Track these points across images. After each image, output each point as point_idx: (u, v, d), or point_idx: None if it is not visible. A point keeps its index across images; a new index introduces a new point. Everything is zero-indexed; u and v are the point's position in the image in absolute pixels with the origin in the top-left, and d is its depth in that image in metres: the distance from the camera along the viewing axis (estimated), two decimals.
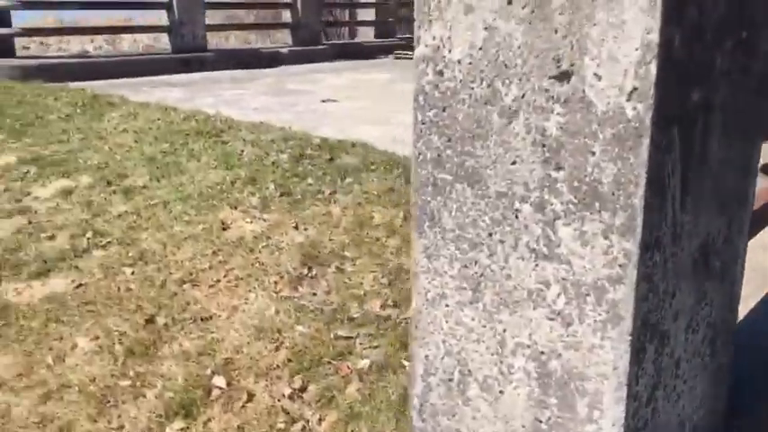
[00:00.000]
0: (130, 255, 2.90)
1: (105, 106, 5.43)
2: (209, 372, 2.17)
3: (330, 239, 3.02)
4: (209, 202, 3.46)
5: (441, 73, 1.05)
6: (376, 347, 2.29)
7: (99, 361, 2.21)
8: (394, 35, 11.50)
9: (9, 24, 7.22)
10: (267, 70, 8.63)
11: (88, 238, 3.05)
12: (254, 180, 3.72)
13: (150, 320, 2.43)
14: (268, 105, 5.99)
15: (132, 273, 2.76)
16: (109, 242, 3.02)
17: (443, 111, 1.05)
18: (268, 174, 3.80)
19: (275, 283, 2.68)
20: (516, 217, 0.98)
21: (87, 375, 2.14)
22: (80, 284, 2.67)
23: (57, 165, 3.96)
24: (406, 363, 2.18)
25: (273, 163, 3.97)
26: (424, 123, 1.09)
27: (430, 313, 1.11)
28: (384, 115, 5.68)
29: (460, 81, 1.02)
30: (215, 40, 11.31)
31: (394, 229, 3.13)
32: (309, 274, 2.74)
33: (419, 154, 1.11)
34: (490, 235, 1.02)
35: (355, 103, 6.21)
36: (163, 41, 10.45)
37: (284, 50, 9.31)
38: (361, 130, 5.03)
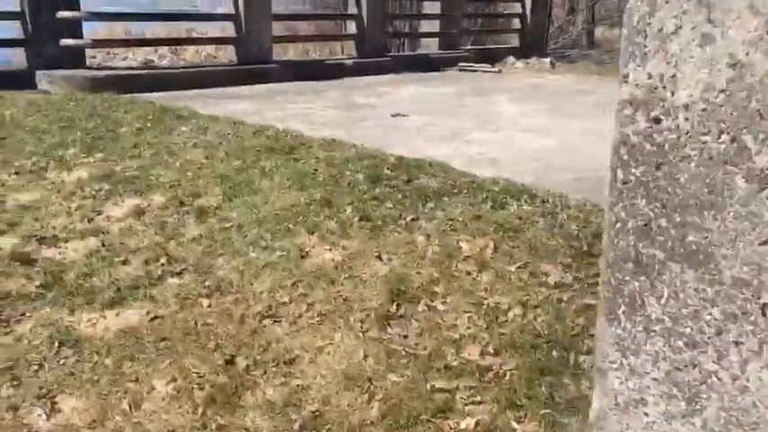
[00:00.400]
0: (207, 284, 2.73)
1: (175, 120, 5.35)
2: (296, 426, 1.96)
3: (417, 272, 2.80)
4: (284, 226, 3.28)
5: (657, 120, 0.82)
6: (479, 403, 2.05)
7: (177, 408, 2.04)
8: (458, 47, 11.25)
9: (80, 35, 7.28)
10: (331, 82, 8.49)
11: (162, 264, 2.90)
12: (330, 202, 3.53)
13: (230, 361, 2.25)
14: (337, 120, 5.82)
15: (209, 305, 2.59)
16: (184, 269, 2.87)
17: (657, 168, 0.82)
18: (344, 196, 3.61)
19: (361, 321, 2.47)
20: (764, 314, 0.74)
21: (166, 426, 1.96)
22: (155, 317, 2.51)
23: (129, 182, 3.85)
24: (516, 425, 1.94)
25: (349, 184, 3.78)
26: (626, 183, 0.86)
27: (620, 420, 0.88)
28: (456, 132, 5.44)
29: (687, 132, 0.78)
30: (274, 51, 11.31)
31: (484, 262, 2.88)
32: (398, 313, 2.52)
33: (617, 221, 0.88)
34: (719, 333, 0.78)
35: (425, 119, 5.99)
36: (227, 52, 10.46)
37: (348, 62, 9.17)
38: (435, 149, 4.81)
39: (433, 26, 10.98)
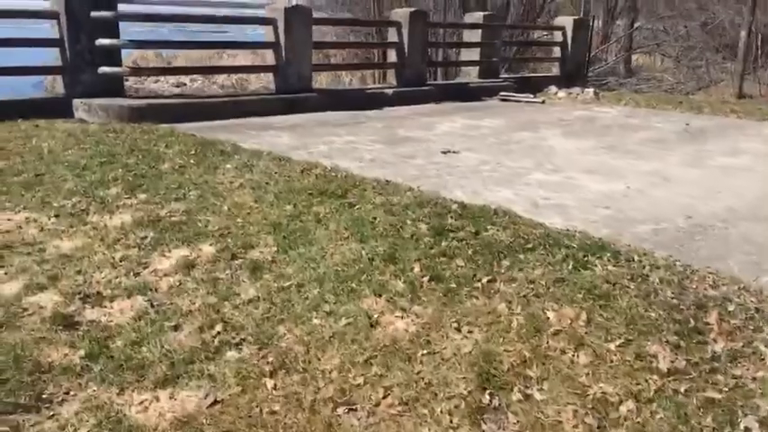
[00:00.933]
0: (269, 360, 2.44)
1: (218, 155, 5.12)
2: None
3: (505, 350, 2.48)
4: (347, 285, 2.99)
5: None
6: None
7: None
8: (497, 75, 10.99)
9: (119, 63, 7.12)
10: (372, 112, 8.25)
11: (218, 333, 2.62)
12: (395, 258, 3.24)
13: None
14: (385, 156, 5.55)
15: (274, 386, 2.30)
16: (243, 339, 2.58)
17: None
18: (409, 250, 3.31)
19: (450, 414, 2.16)
20: None
21: None
22: (215, 401, 2.22)
23: (175, 229, 3.59)
24: None
25: (413, 236, 3.49)
26: None
27: None
28: (514, 172, 5.14)
29: None
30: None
31: (578, 337, 2.56)
32: (491, 404, 2.20)
33: None
34: None
35: (477, 156, 5.70)
36: (259, 77, 10.30)
37: (389, 91, 8.93)
38: (496, 192, 4.51)
39: (473, 54, 10.72)
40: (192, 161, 4.92)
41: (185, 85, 17.96)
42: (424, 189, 4.41)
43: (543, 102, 9.71)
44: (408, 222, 3.67)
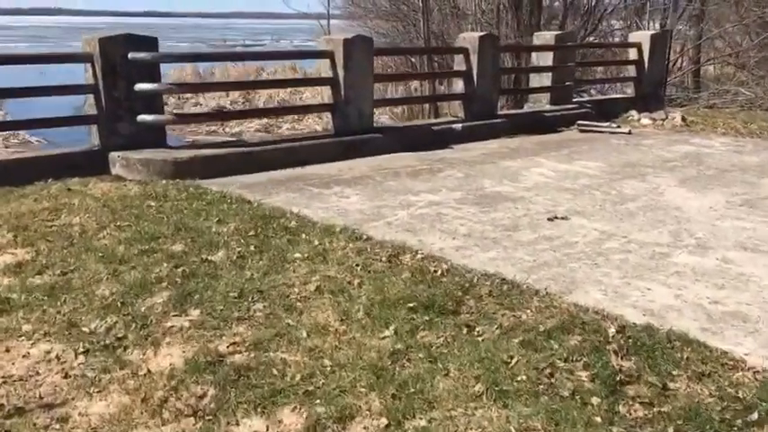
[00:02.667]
0: None
1: (282, 235, 4.19)
2: None
3: None
4: None
5: None
6: None
7: None
8: (570, 101, 9.89)
9: (161, 110, 6.26)
10: (442, 153, 7.26)
11: None
12: None
13: None
14: (482, 229, 4.54)
15: None
16: None
17: None
18: (577, 425, 2.31)
19: None
20: None
21: None
22: None
23: (243, 381, 2.64)
24: None
25: (574, 394, 2.48)
26: None
27: None
28: (648, 251, 4.09)
29: None
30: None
31: None
32: None
33: None
34: None
35: (592, 224, 4.67)
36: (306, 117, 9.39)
37: (457, 126, 7.94)
38: (644, 291, 3.47)
39: (544, 79, 9.67)
40: (252, 247, 3.98)
41: (225, 107, 17.29)
42: (552, 290, 3.41)
43: (630, 132, 8.61)
44: (560, 365, 2.67)
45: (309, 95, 18.06)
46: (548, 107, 9.54)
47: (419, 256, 3.90)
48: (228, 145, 6.47)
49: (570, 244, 4.23)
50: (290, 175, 6.16)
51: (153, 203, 4.91)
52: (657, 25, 19.98)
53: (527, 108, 9.76)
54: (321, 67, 7.21)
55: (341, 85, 7.03)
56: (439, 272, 3.61)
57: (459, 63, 8.35)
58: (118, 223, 4.45)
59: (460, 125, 8.02)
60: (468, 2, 19.09)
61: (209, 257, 3.85)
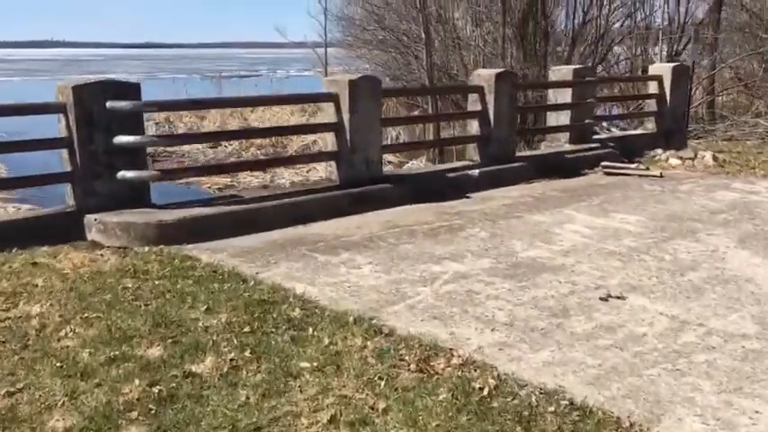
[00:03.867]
0: None
1: (283, 331, 3.43)
2: None
3: None
4: None
5: None
6: None
7: None
8: (590, 139, 9.18)
9: (143, 165, 5.52)
10: (459, 204, 6.53)
11: None
12: None
13: None
14: (524, 315, 3.77)
15: None
16: None
17: None
18: None
19: None
20: None
21: None
22: None
23: None
24: None
25: None
26: None
27: None
28: (738, 347, 3.31)
29: None
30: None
31: None
32: None
33: None
34: None
35: (654, 305, 3.90)
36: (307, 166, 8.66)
37: (473, 172, 7.22)
38: (753, 416, 2.70)
39: (561, 116, 8.98)
40: (247, 351, 3.22)
41: (219, 146, 16.62)
42: (635, 417, 2.64)
43: (661, 175, 7.88)
44: None
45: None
46: (567, 147, 8.84)
47: (456, 360, 3.14)
48: (221, 202, 5.73)
49: (637, 338, 3.46)
50: (292, 236, 5.41)
51: (130, 283, 4.15)
52: (665, 53, 19.46)
53: (545, 148, 9.05)
54: (324, 112, 6.51)
55: (346, 131, 6.32)
56: (486, 390, 2.84)
57: (473, 102, 7.65)
58: (85, 314, 3.68)
59: (477, 171, 7.29)
60: (470, 33, 18.59)
61: (194, 368, 3.07)
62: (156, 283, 4.15)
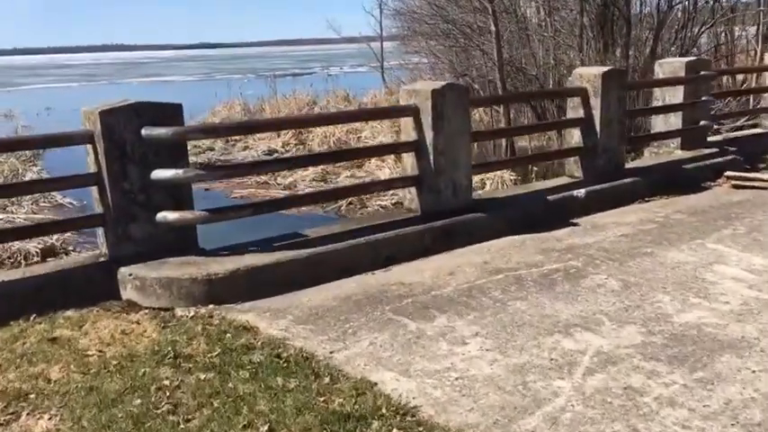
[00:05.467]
0: None
1: None
2: None
3: None
4: None
5: None
6: None
7: None
8: (705, 143, 7.81)
9: (189, 204, 4.51)
10: (566, 234, 5.35)
11: None
12: None
13: None
14: None
15: None
16: None
17: None
18: None
19: None
20: None
21: None
22: None
23: None
24: None
25: None
26: None
27: None
28: None
29: None
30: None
31: None
32: None
33: None
34: None
35: None
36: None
37: (578, 193, 6.00)
38: None
39: (671, 119, 7.64)
40: None
41: (276, 151, 15.68)
42: None
43: None
44: None
45: (370, 133, 16.38)
46: (680, 154, 7.51)
47: None
48: (283, 244, 4.68)
49: None
50: (370, 287, 4.34)
51: (168, 378, 3.13)
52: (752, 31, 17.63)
53: (654, 157, 7.71)
54: (402, 128, 5.41)
55: (429, 151, 5.21)
56: None
57: (574, 108, 6.42)
58: (113, 426, 2.68)
59: (583, 191, 6.07)
60: (540, 22, 17.17)
61: None
62: (202, 378, 3.12)
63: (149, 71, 66.97)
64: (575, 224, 5.68)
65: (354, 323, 3.81)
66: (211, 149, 16.29)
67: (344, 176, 12.73)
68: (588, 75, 6.30)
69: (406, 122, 5.31)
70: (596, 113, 6.24)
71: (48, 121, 22.72)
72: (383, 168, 13.17)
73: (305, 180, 12.60)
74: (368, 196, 9.40)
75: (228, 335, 3.63)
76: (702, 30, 14.98)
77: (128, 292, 4.25)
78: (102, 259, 4.45)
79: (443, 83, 5.26)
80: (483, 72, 17.47)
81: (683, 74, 7.52)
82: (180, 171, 4.33)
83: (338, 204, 9.82)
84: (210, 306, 4.10)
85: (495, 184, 8.09)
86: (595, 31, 14.46)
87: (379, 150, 5.84)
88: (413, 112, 5.19)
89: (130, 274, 4.23)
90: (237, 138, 17.53)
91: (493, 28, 13.83)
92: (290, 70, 53.52)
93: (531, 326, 3.67)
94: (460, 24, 17.42)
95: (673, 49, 15.11)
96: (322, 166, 13.10)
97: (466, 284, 4.36)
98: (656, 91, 7.96)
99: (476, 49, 17.34)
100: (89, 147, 4.37)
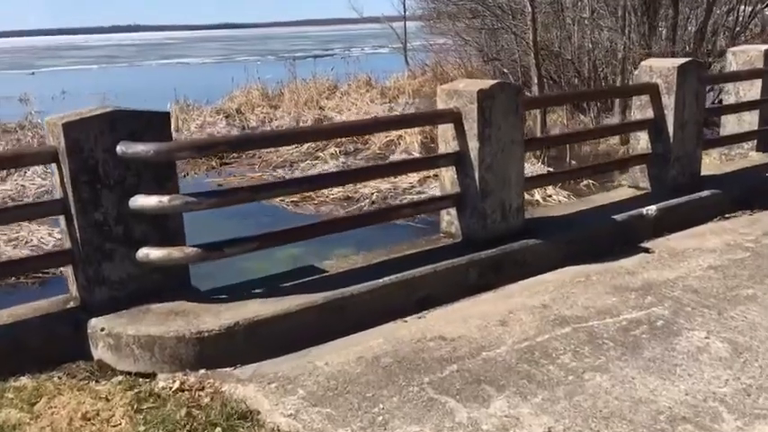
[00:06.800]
0: None
1: None
2: None
3: None
4: None
5: None
6: None
7: None
8: None
9: (179, 238, 3.62)
10: (637, 264, 4.41)
11: None
12: None
13: None
14: None
15: None
16: None
17: None
18: None
19: None
20: None
21: None
22: None
23: None
24: None
25: None
26: None
27: None
28: None
29: None
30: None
31: None
32: None
33: None
34: None
35: None
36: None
37: (649, 211, 5.01)
38: None
39: (746, 117, 6.59)
40: None
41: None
42: None
43: None
44: None
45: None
46: (757, 158, 6.49)
47: None
48: (293, 284, 3.78)
49: None
50: (402, 343, 3.45)
51: None
52: None
53: (725, 162, 6.67)
54: (440, 136, 4.45)
55: (473, 166, 4.26)
56: None
57: (641, 107, 5.41)
58: None
59: (654, 207, 5.09)
60: (575, 1, 15.97)
61: None
62: None
63: (170, 52, 66.35)
64: (646, 250, 4.73)
65: (385, 404, 2.91)
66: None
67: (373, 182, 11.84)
68: (660, 68, 5.28)
69: (445, 130, 4.36)
70: (669, 114, 5.24)
71: (62, 106, 22.06)
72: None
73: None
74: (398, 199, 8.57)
75: (222, 421, 2.75)
76: (759, 7, 13.70)
77: (99, 351, 3.38)
78: (70, 305, 3.59)
79: (492, 82, 4.29)
80: (514, 56, 16.37)
81: (760, 64, 6.46)
82: (165, 198, 3.43)
83: (360, 206, 8.98)
84: (202, 372, 3.25)
85: (541, 192, 7.08)
86: (640, 11, 13.28)
87: (413, 165, 4.88)
88: (453, 117, 4.24)
89: (103, 329, 3.36)
90: (254, 125, 16.73)
91: (528, 9, 12.73)
92: (311, 51, 52.47)
93: (622, 419, 2.74)
94: (491, 5, 16.28)
95: (723, 32, 13.91)
96: (342, 159, 12.26)
97: (525, 342, 3.44)
98: (728, 85, 6.90)
99: (507, 32, 16.23)
100: (54, 167, 3.49)
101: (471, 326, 3.65)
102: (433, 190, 7.40)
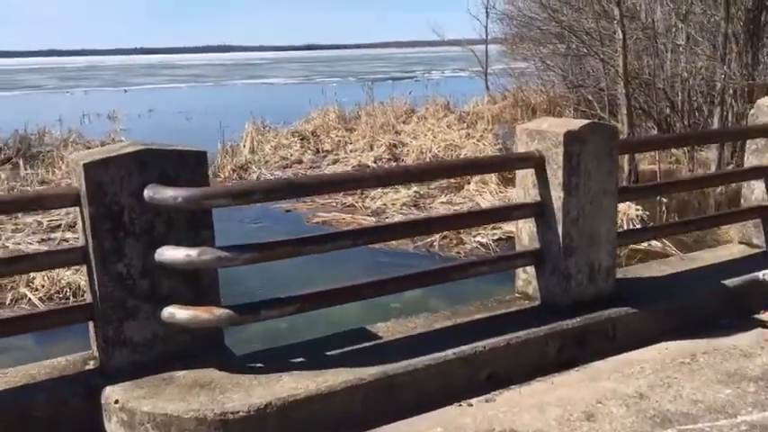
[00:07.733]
0: None
1: None
2: None
3: None
4: None
5: None
6: None
7: None
8: None
9: (211, 293, 3.16)
10: (752, 346, 3.66)
11: None
12: None
13: None
14: None
15: None
16: None
17: None
18: None
19: None
20: None
21: None
22: None
23: None
24: None
25: None
26: None
27: None
28: None
29: None
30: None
31: None
32: None
33: None
34: None
35: None
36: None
37: (766, 275, 4.24)
38: None
39: None
40: None
41: (368, 166, 14.37)
42: None
43: None
44: None
45: (470, 150, 14.85)
46: None
47: None
48: (340, 353, 3.25)
49: None
50: None
51: None
52: None
53: None
54: (519, 183, 3.84)
55: (556, 218, 3.62)
56: None
57: (756, 152, 4.62)
58: None
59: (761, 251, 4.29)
60: (667, 27, 14.97)
61: None
62: None
63: (255, 72, 68.07)
64: (763, 324, 3.95)
65: None
66: (299, 162, 15.29)
67: (439, 202, 11.35)
68: None
69: (525, 176, 3.75)
70: None
71: (146, 124, 22.58)
72: (484, 193, 11.64)
73: (395, 204, 11.33)
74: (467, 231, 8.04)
75: None
76: None
77: (113, 426, 2.94)
78: (89, 365, 3.17)
79: (582, 122, 3.65)
80: (601, 84, 15.50)
81: None
82: (194, 252, 2.97)
83: (430, 240, 8.48)
84: None
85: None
86: (742, 39, 12.22)
87: (484, 216, 4.27)
88: (535, 162, 3.63)
89: (116, 401, 2.91)
90: (328, 148, 16.50)
91: (619, 34, 11.92)
92: (391, 73, 52.52)
93: None
94: (578, 30, 15.47)
95: None
96: (415, 188, 11.79)
97: None
98: None
99: (593, 58, 15.38)
100: (77, 210, 3.10)
101: (549, 417, 3.02)
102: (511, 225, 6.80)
